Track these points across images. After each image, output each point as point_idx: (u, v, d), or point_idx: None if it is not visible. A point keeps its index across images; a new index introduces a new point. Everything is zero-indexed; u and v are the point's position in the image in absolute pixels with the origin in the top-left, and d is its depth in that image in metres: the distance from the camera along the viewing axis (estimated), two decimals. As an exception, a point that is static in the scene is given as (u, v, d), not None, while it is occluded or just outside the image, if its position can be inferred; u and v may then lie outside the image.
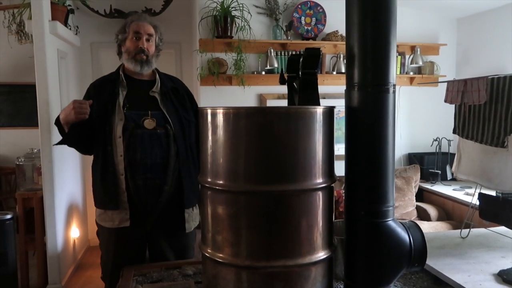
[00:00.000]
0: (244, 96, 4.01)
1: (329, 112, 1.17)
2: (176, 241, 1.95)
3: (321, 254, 1.16)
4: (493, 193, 1.94)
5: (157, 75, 1.98)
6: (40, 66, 3.15)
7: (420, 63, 4.18)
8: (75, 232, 3.78)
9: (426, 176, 4.14)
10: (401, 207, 3.82)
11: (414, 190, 3.96)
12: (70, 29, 3.83)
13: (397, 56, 4.12)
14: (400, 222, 1.24)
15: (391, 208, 1.20)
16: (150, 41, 1.94)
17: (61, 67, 3.59)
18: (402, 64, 4.26)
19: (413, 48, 4.21)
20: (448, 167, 3.91)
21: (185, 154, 1.91)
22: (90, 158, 1.97)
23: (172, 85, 1.99)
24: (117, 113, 1.84)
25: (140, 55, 1.90)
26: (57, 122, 1.87)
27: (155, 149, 1.84)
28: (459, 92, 1.93)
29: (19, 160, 3.48)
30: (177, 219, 1.92)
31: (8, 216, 3.01)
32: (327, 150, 1.16)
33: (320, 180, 1.15)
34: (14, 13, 3.54)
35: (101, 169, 1.86)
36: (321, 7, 4.06)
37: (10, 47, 3.89)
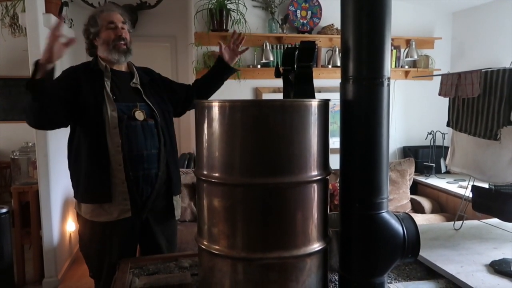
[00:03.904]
0: (240, 90, 4.01)
1: (324, 105, 1.18)
2: (167, 228, 2.01)
3: (316, 246, 1.18)
4: (486, 185, 1.96)
5: (133, 67, 1.99)
6: (34, 59, 3.12)
7: (415, 56, 4.19)
8: (71, 226, 3.78)
9: (421, 169, 4.17)
10: (396, 200, 3.85)
11: (409, 183, 3.99)
12: (64, 22, 3.80)
13: (392, 50, 4.15)
14: (394, 214, 1.25)
15: (385, 200, 1.21)
16: (125, 29, 1.92)
17: (55, 60, 3.56)
18: (397, 58, 4.27)
19: (408, 42, 4.22)
20: (442, 160, 3.94)
21: (170, 144, 1.96)
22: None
23: (148, 77, 2.01)
24: (108, 103, 1.81)
25: (120, 43, 1.87)
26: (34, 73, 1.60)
27: (148, 140, 1.86)
28: (453, 85, 1.94)
29: (14, 154, 3.48)
30: (168, 206, 1.99)
31: (4, 210, 3.00)
32: (322, 143, 1.17)
33: (315, 173, 1.15)
34: (8, 6, 3.51)
35: (92, 162, 1.80)
36: (317, 1, 4.05)
37: (4, 40, 3.87)
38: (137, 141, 1.83)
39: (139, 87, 1.93)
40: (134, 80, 1.94)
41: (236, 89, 3.99)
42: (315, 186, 1.17)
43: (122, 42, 1.88)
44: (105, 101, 1.81)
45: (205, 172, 1.19)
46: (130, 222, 1.86)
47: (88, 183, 1.82)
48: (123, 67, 1.96)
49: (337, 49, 4.08)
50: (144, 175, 1.85)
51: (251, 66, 3.97)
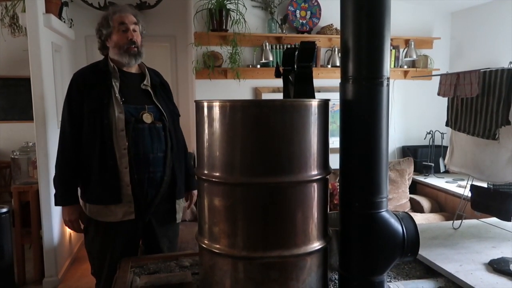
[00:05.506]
0: (240, 90, 4.01)
1: (324, 105, 1.19)
2: (169, 229, 2.02)
3: (316, 245, 1.18)
4: (484, 184, 1.97)
5: (145, 68, 1.99)
6: (34, 59, 3.13)
7: (414, 56, 4.20)
8: (71, 226, 3.78)
9: (420, 169, 4.18)
10: (395, 199, 3.86)
11: (408, 183, 4.00)
12: (64, 22, 3.80)
13: (391, 50, 4.16)
14: (393, 213, 1.26)
15: (384, 199, 1.22)
16: (137, 31, 1.92)
17: (55, 60, 3.57)
18: (396, 58, 4.28)
19: (407, 42, 4.23)
20: (441, 160, 3.95)
21: (177, 147, 1.96)
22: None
23: (159, 79, 2.02)
24: (115, 106, 1.81)
25: (131, 47, 1.87)
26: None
27: (155, 143, 1.86)
28: (452, 85, 1.95)
29: (14, 153, 3.48)
30: (171, 209, 1.99)
31: (4, 210, 3.00)
32: (322, 142, 1.18)
33: (315, 172, 1.16)
34: (7, 6, 3.52)
35: (99, 164, 1.80)
36: (316, 1, 4.06)
37: (4, 40, 3.87)
38: (143, 144, 1.83)
39: (149, 89, 1.93)
40: (145, 82, 1.93)
41: (235, 89, 4.00)
42: (315, 185, 1.17)
43: (133, 46, 1.88)
44: (113, 103, 1.81)
45: (205, 172, 1.20)
46: (133, 223, 1.87)
47: (97, 185, 1.83)
48: (133, 69, 1.96)
49: (336, 49, 4.09)
50: (149, 178, 1.85)
51: (250, 66, 3.98)
